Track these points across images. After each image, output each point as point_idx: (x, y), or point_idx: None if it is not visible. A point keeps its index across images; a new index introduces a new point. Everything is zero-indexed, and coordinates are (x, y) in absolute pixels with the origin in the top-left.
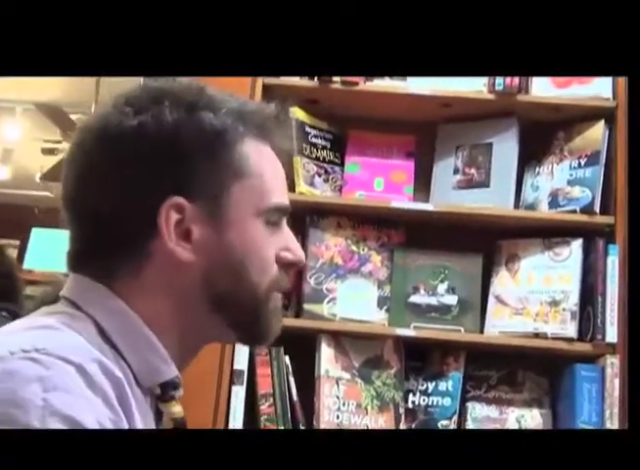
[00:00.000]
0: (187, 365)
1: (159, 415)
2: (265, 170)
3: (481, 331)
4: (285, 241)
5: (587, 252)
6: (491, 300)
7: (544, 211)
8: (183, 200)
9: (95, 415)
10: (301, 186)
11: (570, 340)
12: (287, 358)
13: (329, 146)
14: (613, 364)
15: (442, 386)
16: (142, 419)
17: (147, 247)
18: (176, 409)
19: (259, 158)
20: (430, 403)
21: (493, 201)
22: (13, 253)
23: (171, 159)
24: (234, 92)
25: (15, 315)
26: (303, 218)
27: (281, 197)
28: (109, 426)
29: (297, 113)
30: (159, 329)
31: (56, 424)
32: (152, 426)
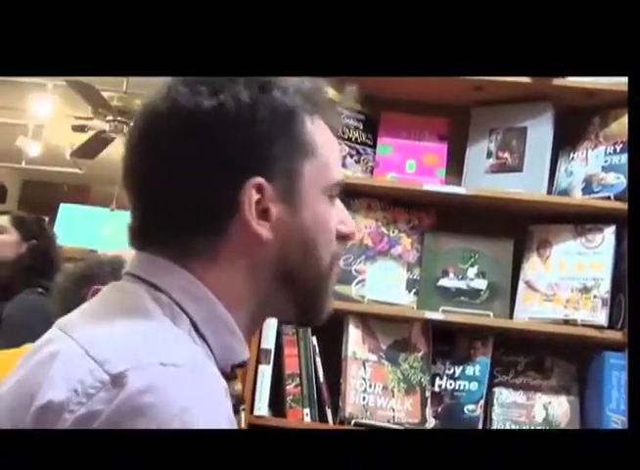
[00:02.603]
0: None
1: None
2: (328, 148)
3: (511, 316)
4: (339, 214)
5: (620, 239)
6: (521, 285)
7: (577, 197)
8: (263, 180)
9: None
10: None
11: (600, 327)
12: (314, 339)
13: (361, 127)
14: None
15: (470, 370)
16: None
17: (226, 226)
18: (237, 387)
19: (323, 135)
20: (456, 388)
21: (526, 186)
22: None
23: (251, 138)
24: None
25: (48, 291)
26: None
27: (340, 172)
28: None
29: (330, 93)
30: (232, 308)
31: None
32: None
